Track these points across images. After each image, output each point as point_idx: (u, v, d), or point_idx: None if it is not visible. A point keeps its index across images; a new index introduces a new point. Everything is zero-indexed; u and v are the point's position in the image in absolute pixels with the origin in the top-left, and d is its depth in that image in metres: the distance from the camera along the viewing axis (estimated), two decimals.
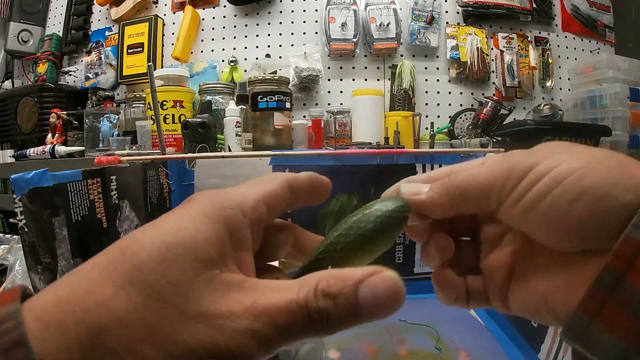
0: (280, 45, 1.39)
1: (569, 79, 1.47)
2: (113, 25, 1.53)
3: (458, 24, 1.41)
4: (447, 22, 1.40)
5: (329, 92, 1.38)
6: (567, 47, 1.49)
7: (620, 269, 0.15)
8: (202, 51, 1.44)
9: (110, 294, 0.14)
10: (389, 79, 1.36)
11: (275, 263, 0.23)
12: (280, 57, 1.37)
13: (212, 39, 1.43)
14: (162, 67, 1.43)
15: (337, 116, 1.26)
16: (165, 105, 1.14)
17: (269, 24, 1.40)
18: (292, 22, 1.39)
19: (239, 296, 0.15)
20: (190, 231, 0.15)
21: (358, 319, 0.15)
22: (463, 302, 0.23)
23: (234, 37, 1.42)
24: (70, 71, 1.56)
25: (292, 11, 1.39)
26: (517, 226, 0.19)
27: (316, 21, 1.38)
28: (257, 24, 1.40)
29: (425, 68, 1.38)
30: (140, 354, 0.13)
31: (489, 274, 0.22)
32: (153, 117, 1.07)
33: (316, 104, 1.36)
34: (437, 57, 1.39)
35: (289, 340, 0.15)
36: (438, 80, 1.39)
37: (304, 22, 1.39)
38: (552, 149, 0.18)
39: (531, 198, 0.17)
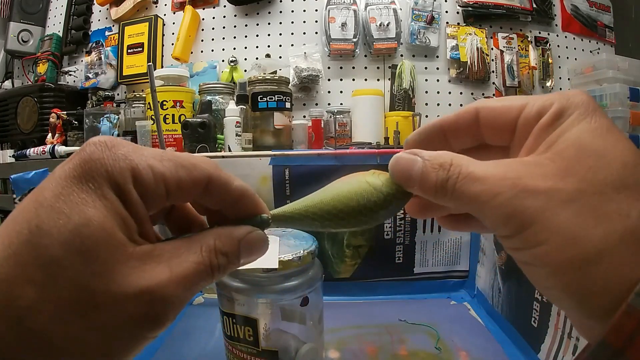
0: (280, 45, 1.39)
1: (569, 79, 1.47)
2: (113, 25, 1.53)
3: (458, 24, 1.41)
4: (447, 22, 1.40)
5: (329, 92, 1.38)
6: (567, 47, 1.49)
7: (619, 344, 0.13)
8: (202, 51, 1.44)
9: (36, 296, 0.14)
10: (389, 79, 1.36)
11: None
12: (280, 57, 1.37)
13: (212, 39, 1.43)
14: (162, 67, 1.43)
15: (337, 116, 1.26)
16: (165, 105, 1.14)
17: (269, 24, 1.40)
18: (292, 22, 1.39)
19: (156, 266, 0.16)
20: (96, 215, 0.15)
21: (237, 266, 0.20)
22: None
23: (234, 37, 1.42)
24: (70, 71, 1.56)
25: (292, 11, 1.39)
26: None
27: (316, 21, 1.38)
28: (257, 24, 1.41)
29: (425, 68, 1.38)
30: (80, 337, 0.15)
31: None
32: (153, 117, 1.07)
33: (316, 104, 1.36)
34: (437, 57, 1.39)
35: (197, 291, 0.18)
36: (438, 80, 1.39)
37: (304, 22, 1.39)
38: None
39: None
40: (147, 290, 0.15)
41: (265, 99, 1.16)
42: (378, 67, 1.38)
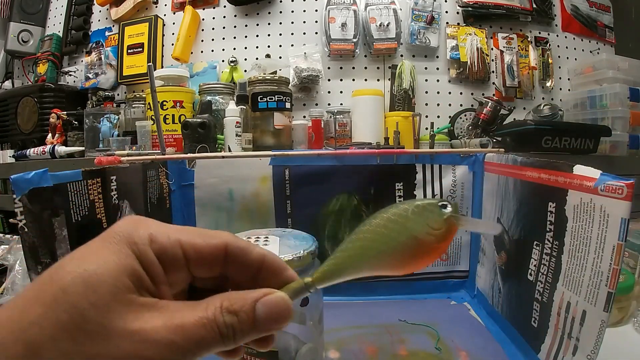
0: (280, 46, 1.39)
1: (569, 79, 1.47)
2: (113, 26, 1.53)
3: (458, 24, 1.41)
4: (447, 22, 1.40)
5: (329, 92, 1.38)
6: (567, 47, 1.49)
7: None
8: (202, 51, 1.44)
9: (41, 313, 0.16)
10: (389, 79, 1.36)
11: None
12: (280, 57, 1.37)
13: (212, 39, 1.43)
14: (162, 67, 1.43)
15: (337, 116, 1.26)
16: (165, 105, 1.14)
17: (269, 24, 1.40)
18: (292, 23, 1.39)
19: (156, 314, 0.17)
20: (108, 261, 0.17)
21: (257, 330, 0.18)
22: None
23: (234, 37, 1.42)
24: (70, 71, 1.56)
25: (292, 11, 1.39)
26: None
27: (316, 21, 1.38)
28: (257, 24, 1.41)
29: (425, 68, 1.38)
30: None
31: None
32: (153, 117, 1.07)
33: (316, 104, 1.36)
34: (437, 57, 1.40)
35: (203, 351, 0.17)
36: (438, 81, 1.39)
37: (304, 22, 1.39)
38: None
39: None
40: (139, 331, 0.16)
41: (265, 99, 1.16)
42: (378, 67, 1.38)
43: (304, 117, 1.33)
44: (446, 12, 1.41)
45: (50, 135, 1.30)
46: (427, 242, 0.20)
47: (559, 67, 1.47)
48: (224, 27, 1.43)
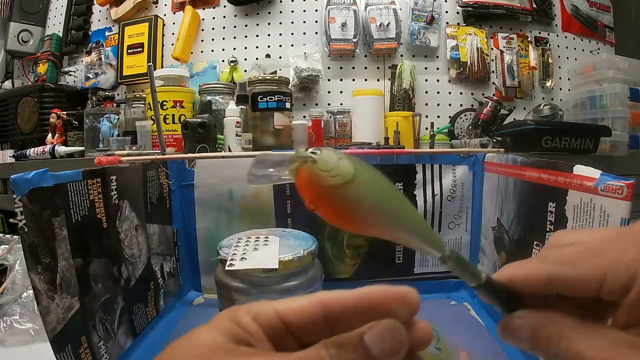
0: (280, 46, 1.39)
1: (569, 79, 1.48)
2: (113, 26, 1.53)
3: (458, 24, 1.41)
4: (447, 22, 1.40)
5: (329, 92, 1.38)
6: (567, 47, 1.49)
7: None
8: (202, 51, 1.44)
9: None
10: (389, 79, 1.36)
11: None
12: (280, 57, 1.37)
13: (212, 39, 1.43)
14: (162, 67, 1.43)
15: (337, 116, 1.26)
16: (165, 105, 1.14)
17: (269, 24, 1.40)
18: (292, 22, 1.39)
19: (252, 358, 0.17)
20: (208, 329, 0.18)
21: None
22: None
23: (234, 37, 1.42)
24: (70, 71, 1.56)
25: (292, 11, 1.39)
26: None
27: (316, 21, 1.38)
28: (257, 24, 1.41)
29: (425, 68, 1.38)
30: None
31: None
32: (153, 117, 1.07)
33: (316, 104, 1.36)
34: (437, 57, 1.40)
35: None
36: (438, 81, 1.39)
37: (304, 22, 1.39)
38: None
39: None
40: None
41: (265, 99, 1.16)
42: (378, 67, 1.38)
43: (304, 117, 1.33)
44: (446, 12, 1.41)
45: (50, 135, 1.30)
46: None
47: (559, 67, 1.47)
48: (224, 27, 1.43)
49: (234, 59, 1.36)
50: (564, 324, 0.18)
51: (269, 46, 1.40)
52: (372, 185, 0.20)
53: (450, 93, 1.39)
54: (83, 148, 1.23)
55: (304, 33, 1.39)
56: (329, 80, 1.37)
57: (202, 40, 1.44)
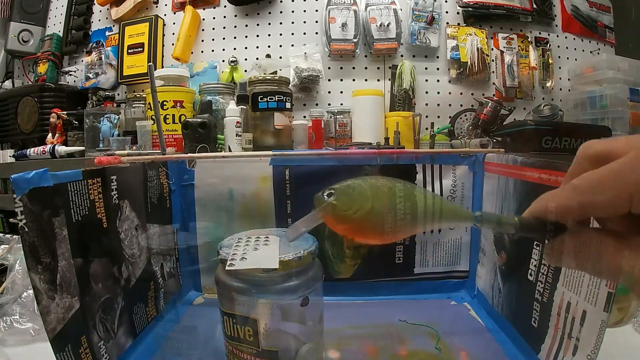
0: (281, 46, 1.39)
1: (569, 79, 1.48)
2: (113, 25, 1.53)
3: (458, 24, 1.41)
4: (447, 23, 1.40)
5: (329, 92, 1.38)
6: (567, 47, 1.49)
7: None
8: (202, 51, 1.44)
9: None
10: (389, 79, 1.36)
11: None
12: (280, 58, 1.37)
13: (212, 39, 1.43)
14: (162, 67, 1.43)
15: (337, 116, 1.26)
16: (165, 105, 1.14)
17: (269, 24, 1.40)
18: (293, 23, 1.39)
19: None
20: None
21: None
22: None
23: (234, 37, 1.42)
24: (71, 71, 1.56)
25: (293, 11, 1.39)
26: None
27: (316, 21, 1.38)
28: (258, 24, 1.41)
29: (426, 68, 1.39)
30: None
31: None
32: (153, 117, 1.07)
33: (316, 104, 1.36)
34: (438, 57, 1.40)
35: None
36: (438, 81, 1.39)
37: (304, 22, 1.39)
38: None
39: None
40: None
41: (266, 99, 1.16)
42: (378, 68, 1.38)
43: (304, 117, 1.33)
44: (446, 12, 1.41)
45: (50, 135, 1.30)
46: None
47: (559, 68, 1.47)
48: (224, 27, 1.43)
49: (234, 59, 1.36)
50: (602, 241, 0.20)
51: (269, 46, 1.40)
52: (391, 198, 0.21)
53: (450, 93, 1.39)
54: (83, 148, 1.23)
55: (304, 33, 1.39)
56: (329, 80, 1.38)
57: (203, 40, 1.44)
